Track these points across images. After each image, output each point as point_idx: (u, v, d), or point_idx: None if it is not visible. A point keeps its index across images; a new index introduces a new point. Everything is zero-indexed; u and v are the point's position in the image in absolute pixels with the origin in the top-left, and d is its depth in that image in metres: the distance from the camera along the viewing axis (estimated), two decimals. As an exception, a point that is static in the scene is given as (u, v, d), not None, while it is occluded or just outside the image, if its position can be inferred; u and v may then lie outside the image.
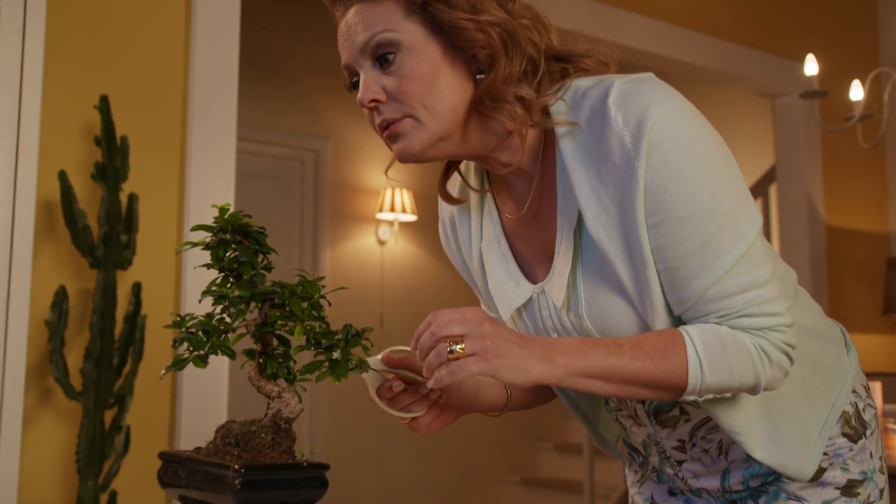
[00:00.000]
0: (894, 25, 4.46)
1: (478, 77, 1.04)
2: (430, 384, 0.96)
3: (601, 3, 3.37)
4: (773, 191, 5.18)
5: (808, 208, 4.12)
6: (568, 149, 1.04)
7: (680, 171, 0.98)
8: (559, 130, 1.05)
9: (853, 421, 1.15)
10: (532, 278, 1.15)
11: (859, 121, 3.29)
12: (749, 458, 1.13)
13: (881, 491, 1.15)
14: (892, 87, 3.36)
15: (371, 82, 1.04)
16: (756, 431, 1.09)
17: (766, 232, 5.39)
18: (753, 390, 1.02)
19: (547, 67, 1.07)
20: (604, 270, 1.05)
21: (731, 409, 1.07)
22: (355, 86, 1.07)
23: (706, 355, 0.99)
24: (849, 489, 1.12)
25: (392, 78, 1.03)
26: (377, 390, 1.09)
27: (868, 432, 1.16)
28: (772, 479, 1.14)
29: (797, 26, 4.18)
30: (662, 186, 0.98)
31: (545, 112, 1.06)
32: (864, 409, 1.17)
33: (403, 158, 1.06)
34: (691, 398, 1.01)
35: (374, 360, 1.08)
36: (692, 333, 1.00)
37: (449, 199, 1.22)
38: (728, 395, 1.03)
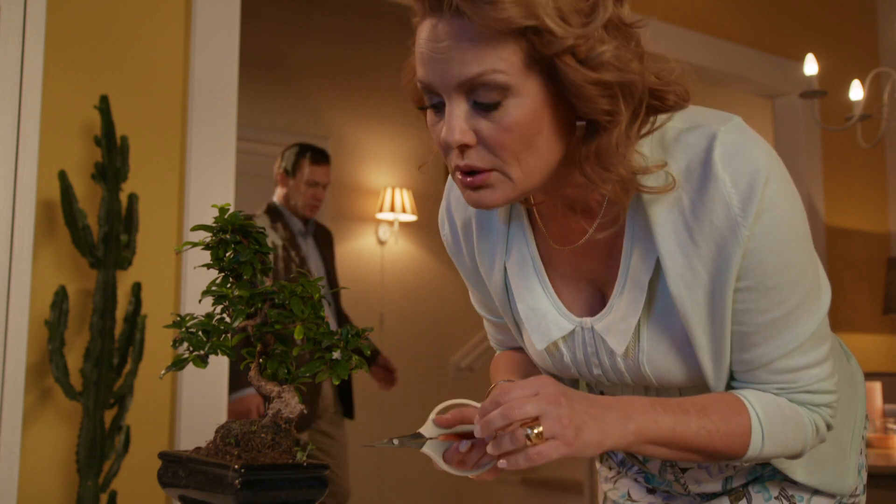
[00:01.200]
0: (894, 25, 4.46)
1: (577, 124, 0.92)
2: (502, 465, 0.90)
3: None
4: (773, 191, 5.18)
5: (808, 208, 4.12)
6: (651, 195, 0.96)
7: (781, 241, 0.95)
8: (646, 177, 0.95)
9: None
10: (568, 307, 1.09)
11: (859, 121, 3.29)
12: (757, 464, 1.13)
13: (865, 486, 1.19)
14: (891, 86, 3.36)
15: (462, 122, 0.91)
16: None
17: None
18: (793, 457, 1.05)
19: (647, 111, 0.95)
20: (671, 324, 1.01)
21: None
22: (434, 107, 0.95)
23: (769, 428, 1.00)
24: None
25: (491, 124, 0.90)
26: (443, 457, 1.01)
27: (865, 432, 1.22)
28: (769, 473, 1.14)
29: (797, 26, 4.18)
30: (761, 254, 0.94)
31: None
32: (865, 416, 1.21)
33: (478, 207, 0.96)
34: (740, 463, 1.04)
35: (428, 429, 1.02)
36: (754, 404, 1.00)
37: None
38: (772, 460, 1.05)
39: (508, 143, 0.90)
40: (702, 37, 3.74)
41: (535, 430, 0.88)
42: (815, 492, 1.12)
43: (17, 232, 2.07)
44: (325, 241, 3.40)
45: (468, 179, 0.94)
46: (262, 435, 1.01)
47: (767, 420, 1.00)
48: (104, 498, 2.11)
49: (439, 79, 0.91)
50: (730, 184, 0.92)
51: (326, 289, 3.13)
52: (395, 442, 1.01)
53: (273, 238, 3.02)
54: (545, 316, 1.09)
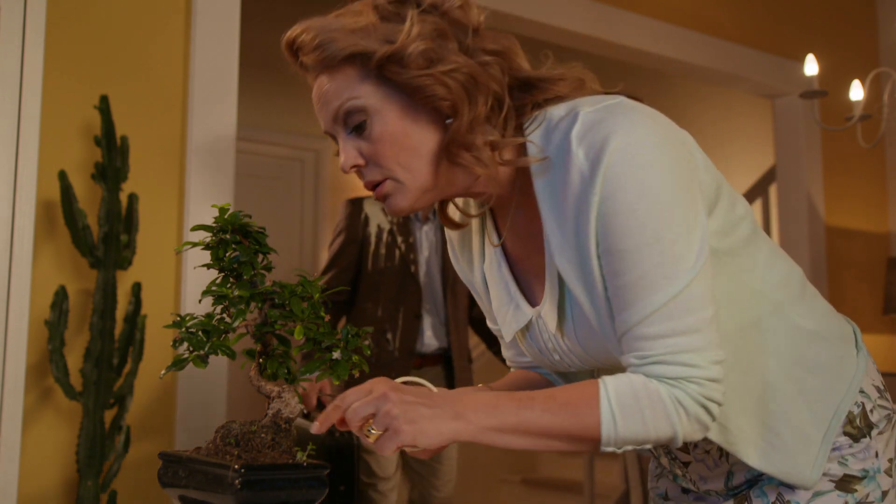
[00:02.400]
0: (894, 25, 4.46)
1: (447, 122, 1.05)
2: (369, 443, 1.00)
3: (601, 3, 3.37)
4: (773, 191, 5.18)
5: (808, 208, 4.12)
6: (540, 184, 1.06)
7: (629, 203, 0.98)
8: (532, 165, 1.06)
9: (857, 421, 1.12)
10: (532, 300, 1.16)
11: (859, 121, 3.29)
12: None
13: (884, 493, 1.12)
14: (891, 87, 3.36)
15: (349, 150, 1.07)
16: (752, 439, 1.08)
17: (767, 232, 5.39)
18: (672, 442, 1.02)
19: (515, 101, 1.08)
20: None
21: (721, 419, 1.07)
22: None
23: (619, 407, 0.99)
24: (845, 484, 1.10)
25: (366, 143, 1.06)
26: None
27: (874, 432, 1.13)
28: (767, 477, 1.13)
29: (797, 26, 4.18)
30: (611, 217, 0.99)
31: (521, 148, 1.08)
32: (871, 410, 1.14)
33: (395, 214, 1.10)
34: (609, 449, 1.01)
35: None
36: (608, 384, 1.00)
37: (451, 225, 1.24)
38: (647, 445, 1.02)
39: (385, 153, 1.05)
40: (702, 37, 3.74)
41: (371, 428, 0.97)
42: (814, 495, 1.10)
43: (17, 232, 2.07)
44: None
45: (374, 193, 1.08)
46: (262, 435, 1.01)
47: (617, 398, 0.99)
48: (104, 498, 2.11)
49: (325, 122, 1.09)
50: (582, 156, 1.00)
51: (433, 284, 2.89)
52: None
53: (380, 220, 2.86)
54: (509, 310, 1.18)
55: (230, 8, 2.45)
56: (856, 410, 1.12)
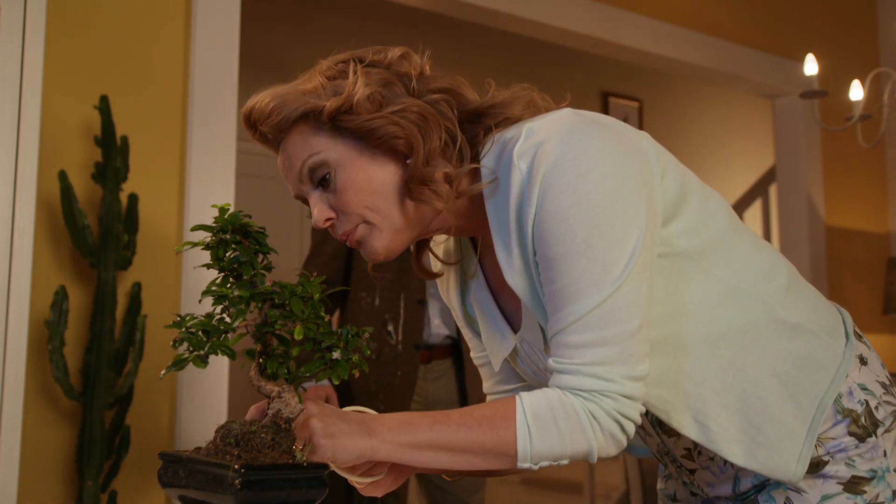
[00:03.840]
0: (894, 26, 4.46)
1: (406, 162, 1.08)
2: (362, 491, 1.06)
3: (601, 3, 3.37)
4: (773, 191, 5.18)
5: (808, 208, 4.12)
6: (490, 206, 1.07)
7: (562, 211, 0.99)
8: (485, 191, 1.08)
9: (862, 420, 1.10)
10: (515, 326, 1.17)
11: (859, 121, 3.29)
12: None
13: (895, 493, 1.10)
14: (891, 87, 3.36)
15: (319, 205, 1.10)
16: (735, 437, 1.07)
17: (767, 232, 5.40)
18: (588, 457, 1.01)
19: (468, 133, 1.10)
20: None
21: (701, 418, 1.06)
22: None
23: (535, 421, 0.99)
24: (853, 485, 1.09)
25: (333, 195, 1.08)
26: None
27: (880, 430, 1.10)
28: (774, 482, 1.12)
29: (797, 26, 4.18)
30: (543, 224, 1.00)
31: (475, 175, 1.10)
32: (877, 408, 1.11)
33: (375, 260, 1.12)
34: (526, 465, 1.00)
35: None
36: (524, 400, 1.00)
37: (426, 275, 1.25)
38: (564, 461, 1.02)
39: (351, 200, 1.08)
40: (702, 37, 3.74)
41: (304, 446, 0.98)
42: (822, 498, 1.09)
43: (17, 232, 2.07)
44: None
45: (349, 242, 1.11)
46: (262, 435, 1.01)
47: (532, 413, 0.99)
48: (104, 498, 2.11)
49: (293, 186, 1.13)
50: (524, 169, 1.02)
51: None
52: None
53: None
54: (495, 339, 1.19)
55: (230, 8, 2.45)
56: (859, 409, 1.10)
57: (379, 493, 1.11)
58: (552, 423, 0.99)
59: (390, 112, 1.05)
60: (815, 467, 1.09)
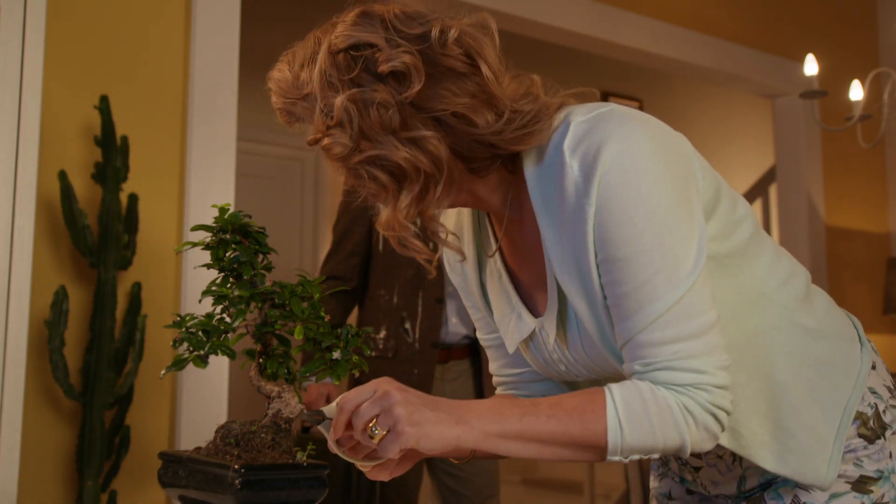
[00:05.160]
0: (894, 26, 4.46)
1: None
2: (368, 474, 1.02)
3: (601, 3, 3.37)
4: (773, 191, 5.18)
5: (808, 208, 4.12)
6: (536, 198, 1.05)
7: (625, 211, 0.97)
8: (528, 178, 1.05)
9: (871, 423, 1.11)
10: (534, 311, 1.15)
11: (859, 121, 3.29)
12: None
13: None
14: (891, 87, 3.36)
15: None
16: (765, 442, 1.07)
17: (767, 231, 5.39)
18: (680, 451, 1.00)
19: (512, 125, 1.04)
20: None
21: (733, 424, 1.06)
22: None
23: (626, 413, 0.98)
24: (861, 485, 1.09)
25: None
26: (337, 441, 1.04)
27: (888, 433, 1.12)
28: (782, 480, 1.12)
29: (797, 26, 4.18)
30: (607, 225, 0.98)
31: (518, 160, 1.07)
32: (884, 411, 1.12)
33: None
34: (616, 458, 0.99)
35: (331, 409, 1.04)
36: (614, 392, 0.99)
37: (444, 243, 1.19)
38: (655, 455, 1.01)
39: None
40: (702, 37, 3.74)
41: (377, 430, 0.96)
42: (831, 497, 1.09)
43: (17, 232, 2.07)
44: None
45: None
46: (262, 435, 1.01)
47: (624, 405, 0.98)
48: (104, 498, 2.11)
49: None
50: (577, 168, 0.99)
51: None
52: (304, 414, 1.03)
53: None
54: (509, 320, 1.17)
55: (230, 8, 2.45)
56: (869, 412, 1.11)
57: (385, 478, 1.09)
58: (644, 416, 0.98)
59: (371, 155, 0.99)
60: None
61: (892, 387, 1.16)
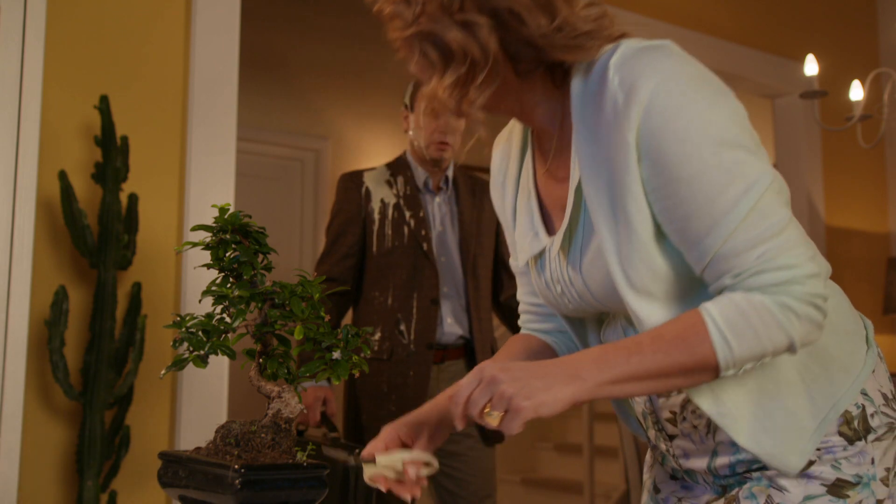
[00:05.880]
0: (894, 26, 4.46)
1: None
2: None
3: (601, 3, 3.37)
4: (773, 191, 5.18)
5: (808, 208, 4.12)
6: (577, 111, 1.08)
7: (677, 132, 0.99)
8: (572, 93, 1.08)
9: (855, 423, 1.09)
10: (551, 231, 1.19)
11: (859, 121, 3.29)
12: (735, 445, 1.11)
13: (879, 502, 1.09)
14: (891, 87, 3.36)
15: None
16: (743, 416, 1.07)
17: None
18: (791, 349, 1.01)
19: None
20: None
21: (717, 390, 1.06)
22: None
23: (727, 326, 0.99)
24: (837, 489, 1.07)
25: None
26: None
27: (870, 437, 1.10)
28: (757, 466, 1.11)
29: (797, 26, 4.18)
30: (660, 149, 1.00)
31: (567, 76, 1.11)
32: (872, 415, 1.10)
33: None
34: (731, 373, 1.00)
35: (389, 459, 1.08)
36: (710, 309, 1.00)
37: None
38: (767, 359, 1.01)
39: None
40: (702, 37, 3.74)
41: (492, 413, 0.99)
42: (805, 499, 1.07)
43: (17, 232, 2.07)
44: (474, 199, 2.62)
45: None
46: (262, 435, 1.01)
47: (723, 319, 0.99)
48: (104, 498, 2.11)
49: None
50: (617, 83, 1.02)
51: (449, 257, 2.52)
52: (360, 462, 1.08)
53: (384, 194, 2.50)
54: (527, 237, 1.22)
55: (230, 8, 2.45)
56: (855, 411, 1.10)
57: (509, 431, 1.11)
58: (746, 326, 0.99)
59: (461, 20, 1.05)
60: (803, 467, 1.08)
61: (890, 396, 1.15)
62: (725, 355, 0.99)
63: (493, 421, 0.99)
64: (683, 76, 1.02)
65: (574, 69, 1.09)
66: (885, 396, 1.14)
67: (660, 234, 1.05)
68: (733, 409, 1.07)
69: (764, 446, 1.06)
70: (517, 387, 0.98)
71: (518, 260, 1.24)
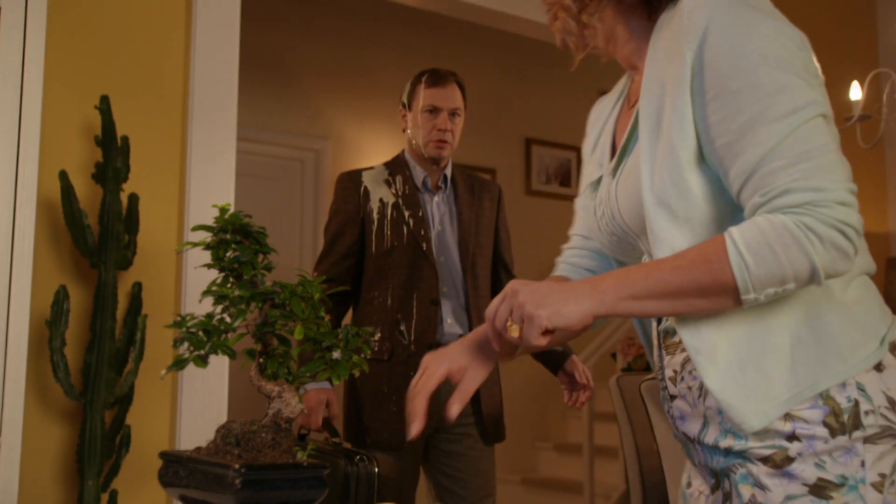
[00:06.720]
0: (894, 26, 4.46)
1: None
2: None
3: None
4: (772, 191, 5.17)
5: (808, 208, 4.11)
6: (654, 35, 1.16)
7: (734, 48, 1.03)
8: (658, 21, 1.17)
9: (844, 416, 1.04)
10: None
11: (859, 121, 3.29)
12: (722, 414, 1.08)
13: None
14: (891, 87, 3.36)
15: None
16: (717, 360, 1.05)
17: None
18: (814, 276, 0.99)
19: None
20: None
21: (702, 326, 1.06)
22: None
23: (746, 248, 0.99)
24: (819, 490, 1.03)
25: None
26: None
27: (857, 434, 1.04)
28: (738, 448, 1.08)
29: (797, 26, 4.17)
30: (717, 62, 1.03)
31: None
32: (867, 413, 1.04)
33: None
34: (751, 297, 1.00)
35: None
36: (732, 232, 1.01)
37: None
38: (790, 285, 1.00)
39: None
40: (702, 37, 3.74)
41: (513, 325, 1.06)
42: (786, 499, 1.04)
43: (17, 232, 2.08)
44: (472, 198, 2.62)
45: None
46: (263, 435, 1.01)
47: (742, 237, 0.99)
48: (105, 497, 2.11)
49: None
50: (689, 5, 1.07)
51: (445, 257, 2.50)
52: None
53: (382, 194, 2.49)
54: (593, 163, 1.30)
55: (230, 8, 2.46)
56: (844, 404, 1.04)
57: (539, 346, 1.14)
58: (765, 246, 0.98)
59: None
60: (783, 462, 1.05)
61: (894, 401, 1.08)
62: (743, 277, 0.99)
63: (514, 332, 1.05)
64: (756, 6, 1.05)
65: (668, 3, 1.15)
66: (890, 400, 1.07)
67: (699, 158, 1.07)
68: (711, 350, 1.06)
69: (727, 396, 1.05)
70: (534, 298, 1.04)
71: (581, 186, 1.31)
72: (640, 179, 1.10)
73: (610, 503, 4.37)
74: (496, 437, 2.54)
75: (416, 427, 1.19)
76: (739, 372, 1.05)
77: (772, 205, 0.99)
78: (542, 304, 1.04)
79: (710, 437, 1.12)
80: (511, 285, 1.07)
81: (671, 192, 1.06)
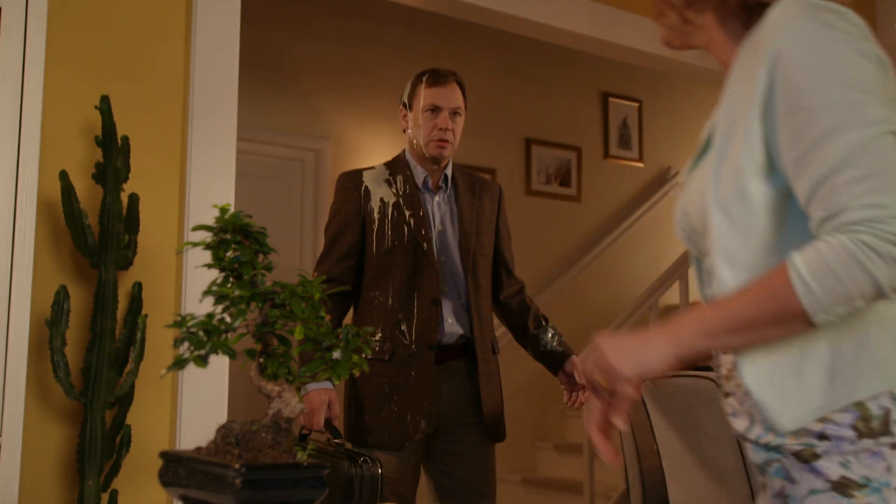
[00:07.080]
0: (894, 26, 4.47)
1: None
2: (621, 426, 1.16)
3: (601, 3, 3.37)
4: (772, 191, 5.17)
5: (808, 208, 4.12)
6: (743, 48, 1.20)
7: (810, 67, 1.05)
8: (751, 33, 1.20)
9: (873, 422, 1.06)
10: None
11: (859, 121, 3.29)
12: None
13: None
14: (891, 87, 3.36)
15: None
16: (758, 362, 1.10)
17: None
18: (880, 291, 1.00)
19: None
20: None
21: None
22: None
23: (809, 272, 1.01)
24: (842, 487, 1.06)
25: None
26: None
27: (883, 440, 1.06)
28: (776, 444, 1.11)
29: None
30: (792, 80, 1.06)
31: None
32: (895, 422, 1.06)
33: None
34: (822, 318, 1.01)
35: None
36: (794, 257, 1.03)
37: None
38: (861, 303, 1.01)
39: None
40: (702, 37, 3.74)
41: (600, 377, 1.13)
42: (810, 493, 1.07)
43: (18, 232, 2.08)
44: (473, 198, 2.61)
45: None
46: (263, 434, 1.01)
47: (802, 261, 1.01)
48: (105, 497, 2.11)
49: None
50: (770, 22, 1.11)
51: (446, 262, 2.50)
52: None
53: (383, 193, 2.49)
54: (690, 165, 1.31)
55: (230, 8, 2.46)
56: (875, 411, 1.06)
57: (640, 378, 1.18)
58: (826, 269, 1.00)
59: None
60: (810, 458, 1.09)
61: None
62: (808, 299, 1.01)
63: (605, 383, 1.12)
64: (835, 25, 1.07)
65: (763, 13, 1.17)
66: None
67: (765, 170, 1.10)
68: (753, 352, 1.11)
69: (763, 395, 1.10)
70: (614, 351, 1.11)
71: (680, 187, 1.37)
72: (707, 178, 1.15)
73: (610, 503, 4.37)
74: (497, 436, 2.54)
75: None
76: (778, 376, 1.09)
77: (834, 221, 1.02)
78: (624, 356, 1.11)
79: (754, 433, 1.16)
80: (595, 340, 1.14)
81: (732, 199, 1.11)
